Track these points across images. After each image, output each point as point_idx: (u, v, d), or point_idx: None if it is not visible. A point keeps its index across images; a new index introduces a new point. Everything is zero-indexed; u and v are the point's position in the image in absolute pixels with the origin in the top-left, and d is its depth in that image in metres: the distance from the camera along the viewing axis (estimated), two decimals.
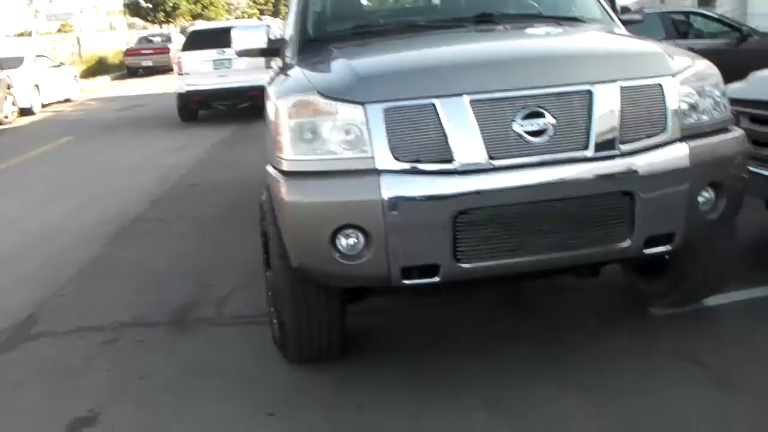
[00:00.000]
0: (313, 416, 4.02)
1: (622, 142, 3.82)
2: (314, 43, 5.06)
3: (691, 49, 11.15)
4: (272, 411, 4.11)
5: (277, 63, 6.17)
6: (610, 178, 3.80)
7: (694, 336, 4.57)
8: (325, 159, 3.80)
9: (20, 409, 4.44)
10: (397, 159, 3.70)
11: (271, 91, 4.51)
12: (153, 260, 7.03)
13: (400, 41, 4.88)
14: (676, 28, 13.35)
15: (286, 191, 3.84)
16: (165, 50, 34.81)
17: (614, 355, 4.41)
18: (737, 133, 4.24)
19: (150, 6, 48.94)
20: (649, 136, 3.89)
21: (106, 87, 31.19)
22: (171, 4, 48.83)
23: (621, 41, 4.67)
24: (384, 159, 3.71)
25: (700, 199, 4.00)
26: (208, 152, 13.12)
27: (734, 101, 5.59)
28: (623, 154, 3.82)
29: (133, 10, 49.73)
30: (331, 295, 4.21)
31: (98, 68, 35.44)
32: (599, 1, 5.40)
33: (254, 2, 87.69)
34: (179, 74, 17.00)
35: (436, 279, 3.79)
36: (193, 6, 53.11)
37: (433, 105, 3.71)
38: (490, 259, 3.77)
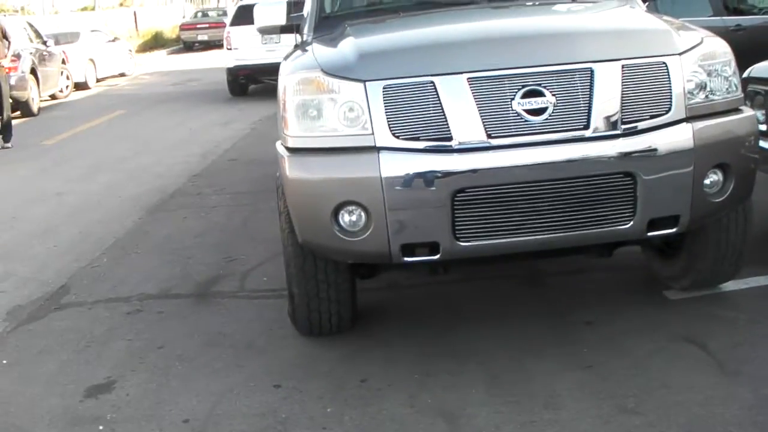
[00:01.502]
0: (317, 389, 4.09)
1: (624, 122, 3.81)
2: (330, 20, 5.14)
3: (739, 27, 10.94)
4: (278, 383, 4.19)
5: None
6: (611, 159, 3.79)
7: (705, 320, 4.54)
8: (328, 136, 3.87)
9: (41, 375, 4.58)
10: (396, 136, 3.75)
11: (282, 67, 4.57)
12: (186, 234, 7.17)
13: (410, 19, 4.92)
14: (725, 4, 13.06)
15: (289, 167, 3.93)
16: (221, 24, 34.82)
17: (620, 336, 4.41)
18: (748, 113, 4.19)
19: None
20: (652, 116, 3.87)
21: (161, 61, 31.62)
22: None
23: (627, 18, 4.60)
24: (383, 136, 3.76)
25: (707, 181, 3.96)
26: (253, 127, 13.27)
27: (762, 81, 5.54)
28: (625, 134, 3.81)
29: None
30: (340, 269, 4.28)
31: (155, 42, 35.91)
32: None
33: None
34: (228, 49, 17.17)
35: (437, 257, 3.84)
36: None
37: (432, 83, 3.75)
38: (490, 237, 3.80)
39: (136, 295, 5.69)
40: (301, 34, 5.36)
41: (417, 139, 3.75)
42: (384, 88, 3.77)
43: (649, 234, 3.96)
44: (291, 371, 4.33)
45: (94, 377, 4.48)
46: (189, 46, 35.19)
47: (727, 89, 4.09)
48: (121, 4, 49.60)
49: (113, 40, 24.77)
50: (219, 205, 8.15)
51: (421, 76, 3.77)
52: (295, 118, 3.94)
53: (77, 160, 11.44)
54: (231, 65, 17.10)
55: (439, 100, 3.73)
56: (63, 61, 19.69)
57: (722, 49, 4.16)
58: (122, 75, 24.63)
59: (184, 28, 36.16)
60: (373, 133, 3.77)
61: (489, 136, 3.73)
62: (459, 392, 3.95)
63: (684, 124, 3.89)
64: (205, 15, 37.64)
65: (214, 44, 34.49)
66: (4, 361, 4.81)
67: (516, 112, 3.74)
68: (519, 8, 4.94)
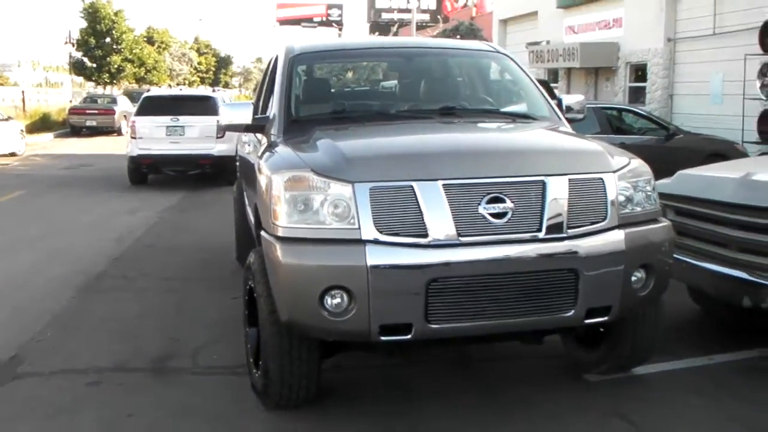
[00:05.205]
0: None
1: (569, 227, 4.53)
2: (298, 123, 5.73)
3: (624, 145, 12.15)
4: None
5: (251, 137, 6.82)
6: (559, 257, 4.49)
7: (625, 399, 5.25)
8: (317, 228, 4.43)
9: None
10: (380, 231, 4.34)
11: (263, 165, 5.12)
12: (123, 314, 7.45)
13: (377, 128, 5.58)
14: (610, 123, 14.34)
15: (282, 254, 4.43)
16: (110, 111, 35.16)
17: (556, 414, 5.05)
18: (665, 223, 5.01)
19: (95, 66, 49.41)
20: (592, 223, 4.60)
21: (49, 144, 31.30)
22: (116, 66, 49.39)
23: (570, 140, 5.39)
24: (369, 231, 4.34)
25: (633, 278, 4.70)
26: (160, 216, 13.53)
27: (662, 195, 6.38)
28: (570, 237, 4.52)
29: (78, 69, 50.12)
30: (312, 348, 4.79)
31: (42, 124, 35.48)
32: (548, 101, 6.16)
33: (196, 70, 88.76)
34: (132, 137, 17.33)
35: (408, 336, 4.41)
36: (138, 69, 53.77)
37: (412, 187, 4.38)
38: (456, 321, 4.42)
39: (93, 367, 5.97)
40: (267, 135, 5.89)
41: (398, 234, 4.35)
42: (371, 189, 4.38)
43: (586, 321, 4.65)
44: None
45: None
46: (77, 131, 34.90)
47: (649, 202, 4.91)
48: None
49: (6, 119, 24.63)
50: (149, 288, 8.45)
51: (402, 180, 4.40)
52: (286, 211, 4.49)
53: None
54: (134, 154, 17.22)
55: (418, 201, 4.36)
56: None
57: (645, 168, 4.99)
58: (13, 155, 24.40)
59: (73, 112, 35.89)
60: (359, 228, 4.35)
61: (459, 235, 4.37)
62: None
63: (617, 230, 4.65)
64: (93, 101, 37.55)
65: (102, 130, 34.65)
66: None
67: (482, 215, 4.41)
68: (472, 126, 5.67)
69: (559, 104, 6.23)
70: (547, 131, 5.67)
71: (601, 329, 5.27)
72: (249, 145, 7.34)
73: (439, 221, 4.36)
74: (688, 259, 6.11)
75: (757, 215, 5.63)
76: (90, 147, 29.00)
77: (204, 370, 5.96)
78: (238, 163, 9.70)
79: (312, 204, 4.45)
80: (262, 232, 4.77)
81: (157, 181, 18.01)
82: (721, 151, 14.49)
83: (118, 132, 34.36)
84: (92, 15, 48.52)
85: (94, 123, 34.78)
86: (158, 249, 10.73)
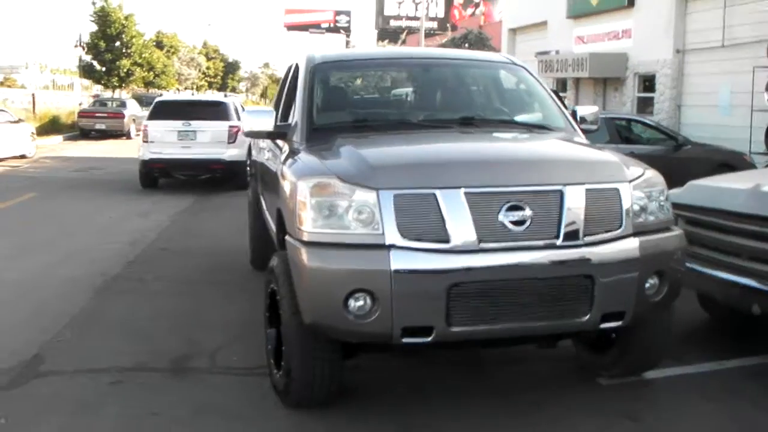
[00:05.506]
0: None
1: (586, 234, 4.68)
2: (320, 131, 5.85)
3: (633, 154, 12.31)
4: None
5: (269, 144, 6.95)
6: (575, 264, 4.63)
7: (635, 400, 5.40)
8: (341, 233, 4.57)
9: None
10: (403, 237, 4.49)
11: (288, 171, 5.26)
12: (140, 315, 7.58)
13: (399, 137, 5.74)
14: (619, 133, 14.48)
15: (308, 258, 4.57)
16: (119, 115, 35.35)
17: (568, 415, 5.19)
18: (678, 232, 5.15)
19: (104, 70, 49.61)
20: (607, 231, 4.75)
21: (58, 146, 31.50)
22: (125, 70, 49.61)
23: (587, 151, 5.53)
24: (392, 236, 4.49)
25: (647, 284, 4.84)
26: (173, 219, 13.68)
27: (674, 205, 6.51)
28: (586, 244, 4.67)
29: (87, 72, 50.36)
30: (334, 350, 4.93)
31: (51, 127, 35.64)
32: (563, 112, 6.30)
33: (204, 75, 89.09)
34: (144, 141, 17.50)
35: (429, 339, 4.55)
36: (146, 74, 54.02)
37: (434, 194, 4.52)
38: (475, 324, 4.57)
39: (114, 367, 6.09)
40: (289, 142, 6.02)
41: (420, 239, 4.51)
42: (395, 196, 4.53)
43: (601, 326, 4.79)
44: None
45: None
46: (86, 134, 35.13)
47: (662, 211, 5.05)
48: (2, 84, 48.92)
49: (17, 122, 24.84)
50: (164, 291, 8.58)
51: (426, 188, 4.55)
52: (311, 217, 4.63)
53: (3, 239, 11.62)
54: (146, 158, 17.35)
55: (440, 208, 4.51)
56: None
57: (658, 179, 5.14)
58: (23, 157, 24.61)
59: (82, 115, 36.04)
60: (383, 233, 4.50)
61: (479, 241, 4.52)
62: None
63: (631, 238, 4.79)
64: (103, 104, 37.68)
65: (111, 134, 34.85)
66: (2, 421, 5.16)
67: (501, 223, 4.55)
68: (491, 136, 5.83)
69: (574, 115, 6.37)
70: (564, 142, 5.82)
71: (613, 334, 5.39)
72: (267, 152, 7.46)
73: (461, 228, 4.50)
74: (698, 268, 6.23)
75: (767, 225, 5.76)
76: (99, 150, 29.22)
77: (223, 370, 6.09)
78: (249, 168, 9.83)
79: (337, 210, 4.59)
80: (287, 237, 4.91)
81: (168, 184, 18.19)
82: (730, 161, 14.66)
83: (127, 135, 34.62)
84: (103, 19, 48.70)
85: (103, 126, 35.01)
86: (172, 252, 10.87)
